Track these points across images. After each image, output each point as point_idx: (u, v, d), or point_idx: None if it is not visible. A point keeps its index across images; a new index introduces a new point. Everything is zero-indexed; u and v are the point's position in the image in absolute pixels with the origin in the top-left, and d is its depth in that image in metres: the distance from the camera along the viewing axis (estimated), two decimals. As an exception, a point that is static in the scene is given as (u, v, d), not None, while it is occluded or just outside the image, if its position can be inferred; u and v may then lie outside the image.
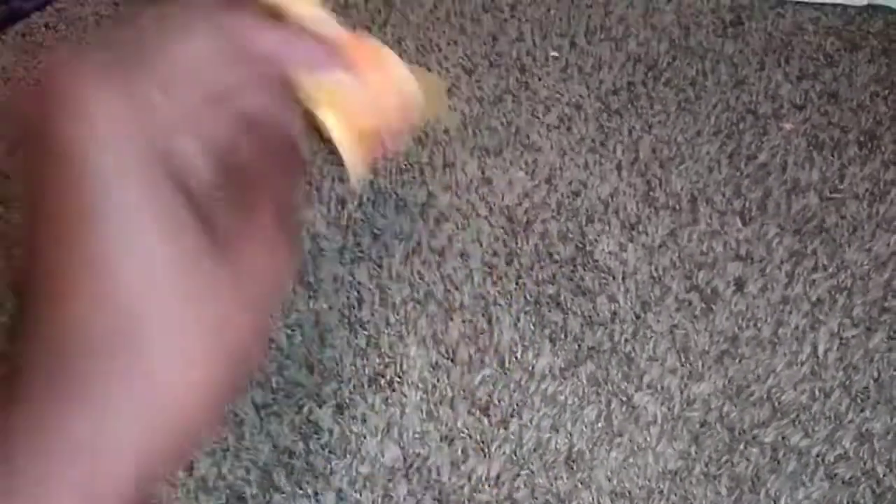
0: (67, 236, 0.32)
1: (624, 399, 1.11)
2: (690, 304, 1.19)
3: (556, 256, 1.23)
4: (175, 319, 0.33)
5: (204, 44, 0.35)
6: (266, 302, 0.37)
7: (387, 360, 1.14)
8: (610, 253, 1.23)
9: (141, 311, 0.32)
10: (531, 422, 1.10)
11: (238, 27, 0.37)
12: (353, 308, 1.18)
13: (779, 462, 1.07)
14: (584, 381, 1.13)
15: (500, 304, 1.19)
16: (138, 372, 0.33)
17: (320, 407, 1.10)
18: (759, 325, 1.17)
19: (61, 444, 0.32)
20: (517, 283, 1.20)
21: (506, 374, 1.13)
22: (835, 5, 1.51)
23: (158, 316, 0.33)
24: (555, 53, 1.47)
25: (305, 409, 1.10)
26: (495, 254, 1.23)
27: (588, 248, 1.24)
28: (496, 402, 1.11)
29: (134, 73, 0.33)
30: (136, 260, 0.32)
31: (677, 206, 1.28)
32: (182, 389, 0.34)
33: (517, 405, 1.11)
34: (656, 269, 1.22)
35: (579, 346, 1.15)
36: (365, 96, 0.45)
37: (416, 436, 1.08)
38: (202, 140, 0.35)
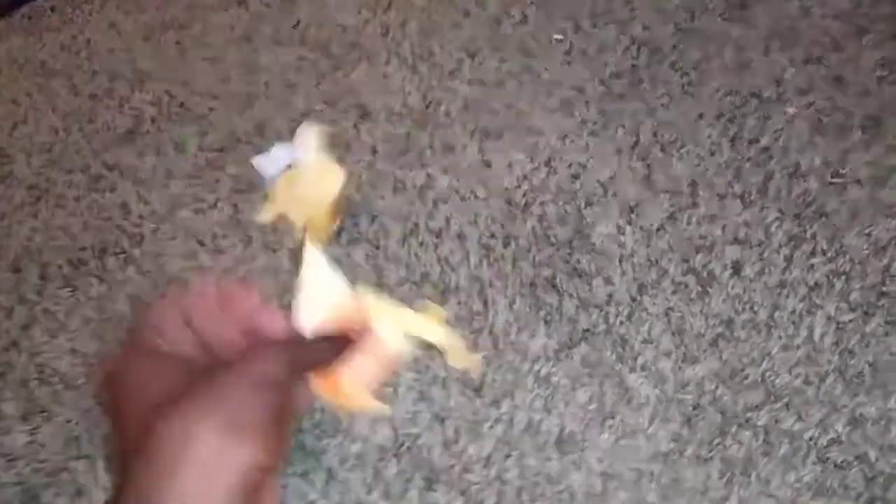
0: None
1: (617, 381, 1.11)
2: (687, 286, 1.18)
3: (553, 239, 1.23)
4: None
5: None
6: (269, 380, 0.51)
7: (381, 340, 1.14)
8: (608, 236, 1.23)
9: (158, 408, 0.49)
10: (523, 403, 1.10)
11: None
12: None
13: (771, 445, 1.07)
14: (578, 363, 1.13)
15: (495, 286, 1.19)
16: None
17: (313, 386, 1.10)
18: (755, 308, 1.16)
19: None
20: (514, 266, 1.20)
21: (499, 355, 1.13)
22: (842, -11, 1.50)
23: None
24: (558, 37, 1.46)
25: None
26: (493, 236, 1.23)
27: (586, 230, 1.23)
28: (489, 382, 1.11)
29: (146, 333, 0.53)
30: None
31: (677, 190, 1.27)
32: None
33: (510, 386, 1.11)
34: (654, 253, 1.21)
35: (574, 327, 1.15)
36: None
37: (408, 415, 1.09)
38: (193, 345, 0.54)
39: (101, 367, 0.54)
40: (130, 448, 0.50)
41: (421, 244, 1.22)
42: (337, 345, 0.60)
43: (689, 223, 1.24)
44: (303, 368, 0.56)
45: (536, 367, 1.12)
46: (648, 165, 1.30)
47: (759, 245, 1.21)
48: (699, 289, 1.18)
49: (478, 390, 1.11)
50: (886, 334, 1.14)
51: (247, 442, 0.50)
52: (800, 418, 1.08)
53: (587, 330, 1.15)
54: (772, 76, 1.40)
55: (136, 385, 0.53)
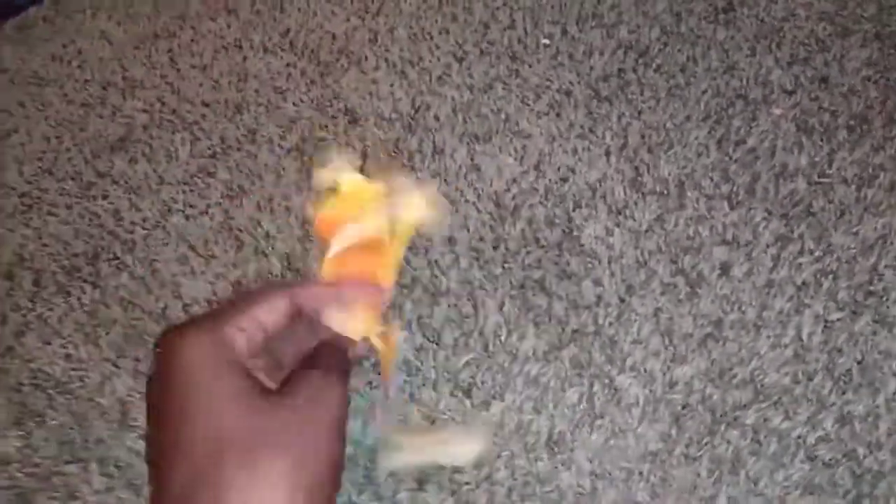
0: (168, 416, 0.48)
1: (606, 381, 1.12)
2: (675, 287, 1.19)
3: (542, 241, 1.23)
4: (248, 459, 0.46)
5: (273, 305, 0.53)
6: (327, 434, 0.48)
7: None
8: (596, 238, 1.24)
9: (219, 454, 0.46)
10: (513, 404, 1.11)
11: (300, 295, 0.54)
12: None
13: (760, 444, 1.07)
14: (567, 364, 1.13)
15: (485, 289, 1.19)
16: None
17: (304, 389, 1.11)
18: (743, 308, 1.17)
19: None
20: (503, 268, 1.21)
21: (489, 356, 1.14)
22: (828, -9, 1.51)
23: (235, 458, 0.46)
24: (546, 41, 1.47)
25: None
26: (482, 239, 1.24)
27: (575, 233, 1.24)
28: (479, 384, 1.12)
29: (219, 322, 0.50)
30: (213, 417, 0.47)
31: (665, 192, 1.28)
32: None
33: (500, 387, 1.12)
34: (642, 254, 1.22)
35: (563, 329, 1.16)
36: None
37: (399, 417, 1.09)
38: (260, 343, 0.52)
39: (161, 344, 0.50)
40: (187, 484, 0.46)
41: (411, 248, 1.23)
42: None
43: (676, 224, 1.24)
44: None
45: (526, 369, 1.13)
46: (636, 167, 1.30)
47: (746, 245, 1.22)
48: (688, 289, 1.19)
49: (468, 392, 1.11)
50: (874, 333, 1.15)
51: (314, 502, 0.47)
52: (788, 417, 1.09)
53: (576, 331, 1.16)
54: (758, 78, 1.41)
55: (196, 393, 0.49)
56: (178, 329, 0.49)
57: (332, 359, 0.54)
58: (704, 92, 1.39)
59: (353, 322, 0.60)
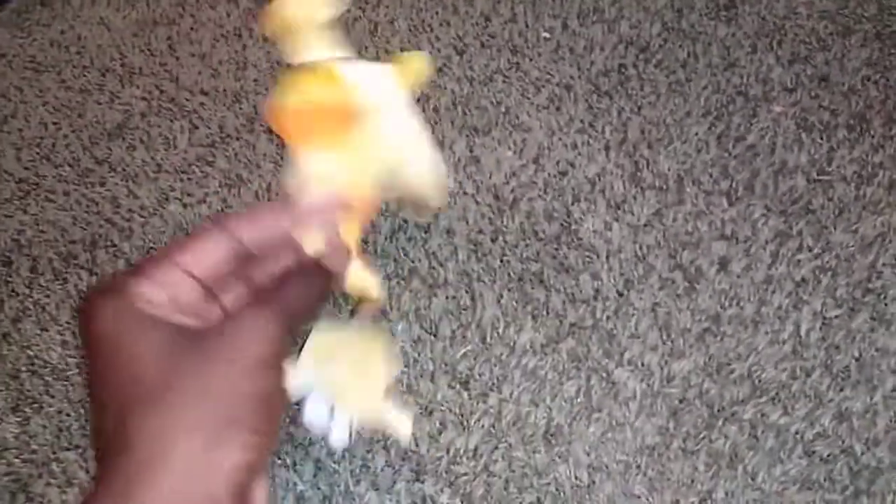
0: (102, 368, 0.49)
1: (604, 375, 1.12)
2: (674, 282, 1.19)
3: (541, 234, 1.23)
4: (159, 405, 0.46)
5: (201, 248, 0.53)
6: (245, 371, 0.47)
7: (369, 334, 1.15)
8: (595, 232, 1.24)
9: (128, 407, 0.46)
10: (511, 396, 1.11)
11: (237, 229, 0.54)
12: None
13: (757, 439, 1.08)
14: (565, 357, 1.13)
15: (483, 281, 1.19)
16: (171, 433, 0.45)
17: (301, 379, 1.10)
18: (741, 304, 1.17)
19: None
20: (501, 261, 1.21)
21: (487, 349, 1.14)
22: (829, -11, 1.51)
23: (146, 405, 0.46)
24: (546, 35, 1.47)
25: (287, 381, 1.10)
26: (481, 231, 1.24)
27: (573, 226, 1.24)
28: (476, 376, 1.12)
29: (128, 282, 0.50)
30: (123, 373, 0.47)
31: (664, 187, 1.28)
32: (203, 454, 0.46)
33: (497, 380, 1.12)
34: (641, 248, 1.22)
35: (561, 322, 1.16)
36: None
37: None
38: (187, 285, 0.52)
39: (82, 306, 0.50)
40: (109, 439, 0.46)
41: (409, 239, 1.22)
42: (322, 281, 0.58)
43: (675, 219, 1.24)
44: (297, 323, 0.53)
45: (524, 361, 1.13)
46: (636, 162, 1.30)
47: (745, 241, 1.22)
48: (686, 284, 1.19)
49: (465, 383, 1.11)
50: (872, 330, 1.15)
51: (234, 443, 0.46)
52: (786, 412, 1.09)
53: (574, 324, 1.16)
54: (758, 75, 1.41)
55: (113, 356, 0.48)
56: (88, 295, 0.49)
57: (274, 293, 0.53)
58: (705, 88, 1.39)
59: (310, 240, 0.58)
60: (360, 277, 0.68)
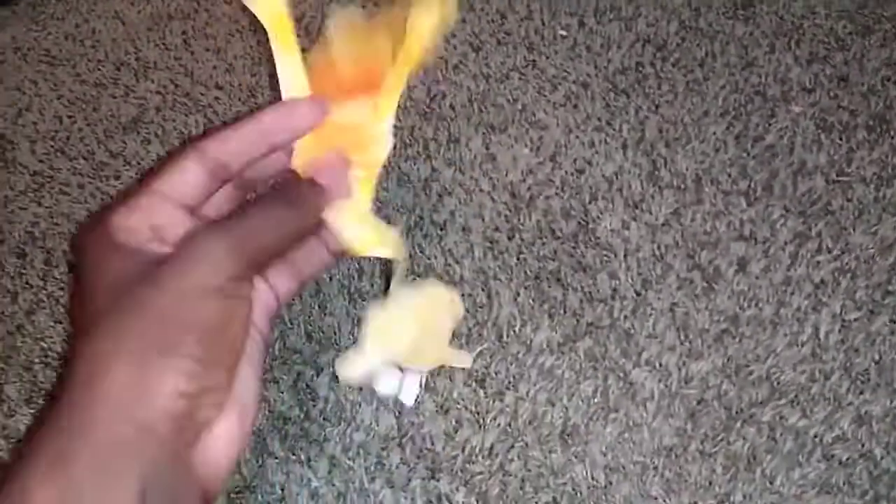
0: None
1: (621, 375, 1.11)
2: (692, 282, 1.18)
3: (558, 233, 1.22)
4: (112, 330, 0.46)
5: (176, 172, 0.53)
6: (187, 296, 0.46)
7: (385, 330, 1.14)
8: (612, 230, 1.23)
9: (87, 332, 0.47)
10: (527, 395, 1.10)
11: (211, 150, 0.54)
12: (353, 279, 1.18)
13: (776, 442, 1.07)
14: (582, 357, 1.12)
15: (500, 279, 1.18)
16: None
17: (317, 374, 1.10)
18: (760, 305, 1.16)
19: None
20: (518, 259, 1.20)
21: (503, 347, 1.13)
22: (848, -11, 1.50)
23: (100, 330, 0.47)
24: (563, 32, 1.46)
25: (303, 377, 1.10)
26: (497, 229, 1.23)
27: (591, 225, 1.23)
28: (493, 374, 1.11)
29: (108, 212, 0.50)
30: (89, 301, 0.49)
31: (682, 186, 1.27)
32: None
33: (514, 378, 1.11)
34: (658, 248, 1.21)
35: (578, 321, 1.15)
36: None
37: (412, 405, 1.08)
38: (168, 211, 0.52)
39: (71, 241, 0.52)
40: (68, 370, 0.46)
41: (425, 236, 1.22)
42: (299, 212, 0.57)
43: (693, 219, 1.23)
44: (259, 254, 0.51)
45: (540, 360, 1.12)
46: (653, 161, 1.30)
47: (764, 242, 1.21)
48: (704, 285, 1.18)
49: (481, 382, 1.10)
50: (892, 333, 1.14)
51: (170, 369, 0.44)
52: (805, 415, 1.08)
53: (591, 324, 1.15)
54: (777, 74, 1.40)
55: (80, 286, 0.49)
56: (78, 230, 0.52)
57: (230, 220, 0.52)
58: (723, 87, 1.38)
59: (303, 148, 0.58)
60: (374, 231, 0.68)
